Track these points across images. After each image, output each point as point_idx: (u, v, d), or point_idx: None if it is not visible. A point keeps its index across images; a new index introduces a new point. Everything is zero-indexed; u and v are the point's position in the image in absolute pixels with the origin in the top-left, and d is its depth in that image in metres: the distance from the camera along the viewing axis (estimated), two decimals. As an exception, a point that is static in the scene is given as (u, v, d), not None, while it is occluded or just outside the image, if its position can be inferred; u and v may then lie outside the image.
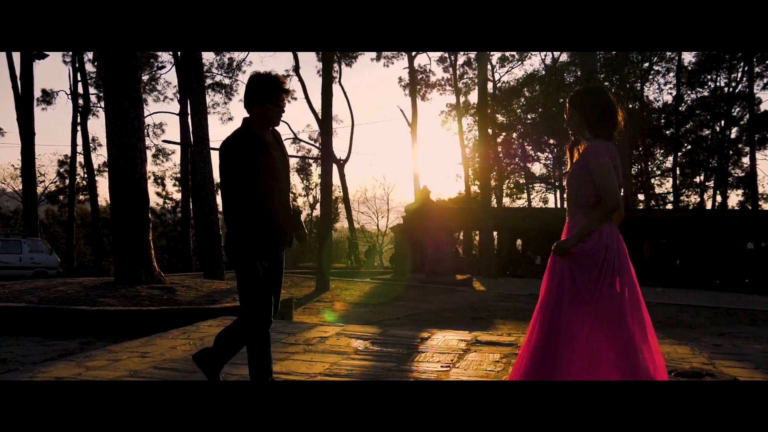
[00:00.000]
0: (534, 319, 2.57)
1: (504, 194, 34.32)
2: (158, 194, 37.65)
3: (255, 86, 2.63)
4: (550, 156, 31.11)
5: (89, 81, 30.04)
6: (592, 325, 2.39)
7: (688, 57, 30.36)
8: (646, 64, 29.82)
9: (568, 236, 2.51)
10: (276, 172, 2.69)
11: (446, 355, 4.22)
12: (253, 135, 2.66)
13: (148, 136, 31.34)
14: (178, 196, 33.82)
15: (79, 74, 29.22)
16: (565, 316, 2.41)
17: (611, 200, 2.47)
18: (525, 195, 36.02)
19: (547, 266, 2.60)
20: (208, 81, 31.05)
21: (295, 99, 33.53)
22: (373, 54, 34.80)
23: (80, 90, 29.57)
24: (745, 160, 29.96)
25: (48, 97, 31.30)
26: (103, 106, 23.78)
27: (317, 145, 33.85)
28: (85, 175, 31.61)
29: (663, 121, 31.10)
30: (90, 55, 28.80)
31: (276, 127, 2.79)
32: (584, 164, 2.53)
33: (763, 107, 33.02)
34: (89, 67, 30.13)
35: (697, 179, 32.04)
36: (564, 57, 29.29)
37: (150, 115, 32.47)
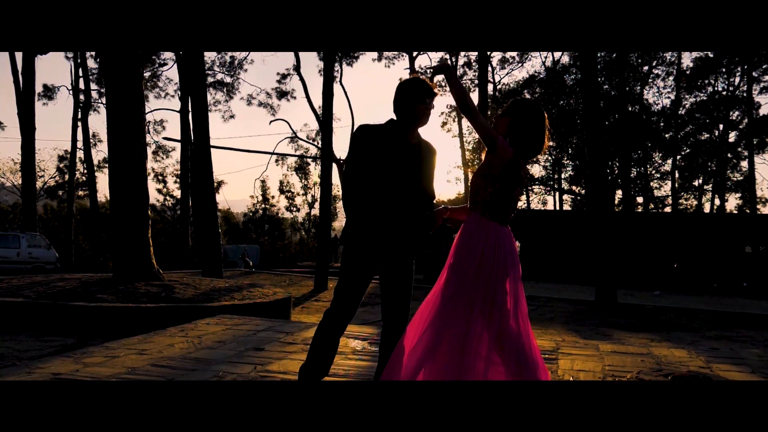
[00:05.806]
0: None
1: (503, 195, 34.23)
2: (159, 191, 37.66)
3: (406, 89, 2.69)
4: (549, 158, 31.13)
5: (91, 77, 30.02)
6: None
7: (687, 61, 30.39)
8: (646, 68, 29.83)
9: None
10: (395, 170, 2.64)
11: (444, 355, 4.21)
12: (386, 130, 2.68)
13: (149, 132, 31.34)
14: (178, 193, 33.80)
15: (80, 70, 29.22)
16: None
17: None
18: (524, 197, 36.06)
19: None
20: (210, 79, 31.01)
21: (294, 98, 33.65)
22: (374, 54, 34.81)
23: (82, 86, 29.56)
24: (744, 164, 29.97)
25: (49, 92, 31.27)
26: (104, 102, 23.78)
27: (315, 143, 33.87)
28: (85, 171, 31.59)
29: (662, 124, 31.11)
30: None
31: (419, 129, 2.76)
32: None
33: (762, 111, 33.00)
34: (91, 63, 30.14)
35: (696, 183, 32.06)
36: (565, 59, 29.29)
37: (151, 111, 32.43)
